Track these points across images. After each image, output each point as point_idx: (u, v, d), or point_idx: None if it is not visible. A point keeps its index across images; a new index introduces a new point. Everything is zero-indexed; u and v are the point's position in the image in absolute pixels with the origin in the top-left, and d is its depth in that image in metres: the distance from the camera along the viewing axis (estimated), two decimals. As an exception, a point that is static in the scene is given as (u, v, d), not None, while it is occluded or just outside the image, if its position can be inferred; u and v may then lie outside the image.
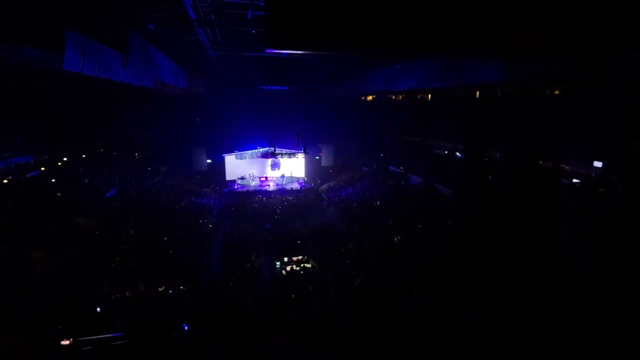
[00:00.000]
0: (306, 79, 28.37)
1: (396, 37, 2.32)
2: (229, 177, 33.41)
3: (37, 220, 14.19)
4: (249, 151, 33.42)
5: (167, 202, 23.55)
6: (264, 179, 33.93)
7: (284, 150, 30.97)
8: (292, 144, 29.84)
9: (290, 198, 29.04)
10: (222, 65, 23.76)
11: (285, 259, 16.47)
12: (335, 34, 2.32)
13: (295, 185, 33.27)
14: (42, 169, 18.31)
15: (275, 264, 16.21)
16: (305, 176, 34.84)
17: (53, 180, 18.12)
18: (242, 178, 33.35)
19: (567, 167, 14.22)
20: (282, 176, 33.90)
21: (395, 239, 17.87)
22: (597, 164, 13.29)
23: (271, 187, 32.46)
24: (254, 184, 33.17)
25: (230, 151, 33.18)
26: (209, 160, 32.93)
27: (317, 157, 35.15)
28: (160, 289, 13.01)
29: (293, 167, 34.43)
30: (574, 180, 13.87)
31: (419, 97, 26.60)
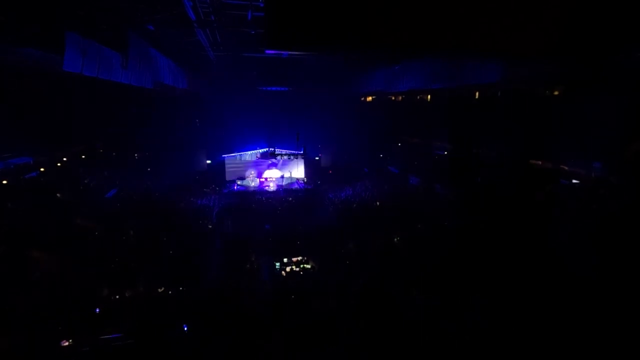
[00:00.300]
0: (306, 80, 28.40)
1: (396, 37, 2.32)
2: (228, 177, 33.38)
3: (37, 220, 14.18)
4: (249, 152, 33.43)
5: (166, 203, 23.54)
6: (263, 179, 33.94)
7: (283, 151, 30.97)
8: (292, 145, 29.84)
9: (290, 199, 29.01)
10: (222, 66, 23.79)
11: (285, 260, 16.45)
12: (335, 34, 2.32)
13: (295, 186, 33.29)
14: (42, 169, 18.30)
15: (275, 265, 16.21)
16: (305, 177, 34.84)
17: (53, 181, 18.11)
18: (242, 179, 33.37)
19: (566, 168, 14.23)
20: (282, 177, 33.92)
21: (395, 239, 17.89)
22: (597, 164, 13.29)
23: (271, 187, 32.46)
24: (253, 184, 33.18)
25: (230, 152, 33.19)
26: (208, 161, 32.93)
27: (317, 158, 35.16)
28: (159, 290, 13.00)
29: (293, 168, 34.47)
30: (573, 181, 13.88)
31: (418, 97, 26.63)
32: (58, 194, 17.60)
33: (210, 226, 21.71)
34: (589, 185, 12.92)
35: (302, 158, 32.97)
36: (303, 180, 34.59)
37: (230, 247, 18.05)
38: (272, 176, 33.99)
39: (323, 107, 33.25)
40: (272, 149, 30.72)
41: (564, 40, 2.45)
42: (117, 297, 12.33)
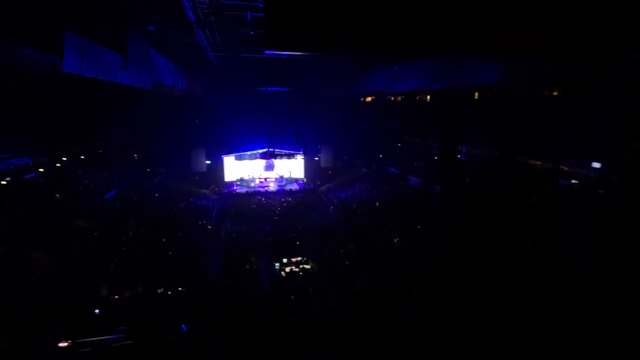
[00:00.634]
0: (305, 80, 28.39)
1: (396, 37, 2.32)
2: (228, 178, 33.37)
3: (37, 220, 14.17)
4: (248, 152, 33.42)
5: (166, 204, 23.54)
6: (263, 180, 33.92)
7: (283, 151, 30.94)
8: (292, 145, 29.84)
9: (290, 199, 29.01)
10: (222, 67, 23.78)
11: (285, 260, 16.45)
12: (335, 34, 2.32)
13: (295, 187, 33.28)
14: (41, 170, 18.28)
15: (275, 265, 16.20)
16: (305, 177, 34.83)
17: (52, 181, 18.09)
18: (242, 179, 33.36)
19: (566, 168, 14.24)
20: (282, 177, 33.91)
21: (395, 239, 17.89)
22: (596, 164, 13.29)
23: (270, 188, 32.46)
24: (253, 185, 33.17)
25: (229, 152, 33.18)
26: (208, 162, 32.89)
27: (317, 158, 35.15)
28: (159, 290, 13.00)
29: (292, 168, 34.45)
30: (573, 181, 13.89)
31: (418, 98, 26.64)
32: (57, 195, 17.59)
33: (210, 227, 21.72)
34: (588, 186, 12.93)
35: (302, 158, 32.98)
36: (303, 181, 34.59)
37: (230, 248, 18.06)
38: (272, 176, 33.99)
39: (323, 108, 33.26)
40: (272, 149, 30.71)
41: (564, 40, 2.45)
42: (117, 297, 12.33)
